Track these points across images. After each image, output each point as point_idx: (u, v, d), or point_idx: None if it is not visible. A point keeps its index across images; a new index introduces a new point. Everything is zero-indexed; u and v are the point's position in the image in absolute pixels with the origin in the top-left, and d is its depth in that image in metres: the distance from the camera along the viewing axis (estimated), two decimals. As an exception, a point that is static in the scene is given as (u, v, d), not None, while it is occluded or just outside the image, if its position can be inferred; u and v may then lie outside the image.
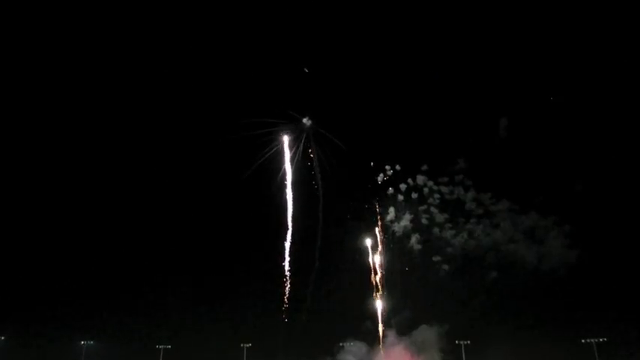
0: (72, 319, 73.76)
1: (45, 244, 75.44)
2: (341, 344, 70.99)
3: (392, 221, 73.06)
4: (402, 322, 68.57)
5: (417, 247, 72.35)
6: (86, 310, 73.98)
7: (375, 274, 70.76)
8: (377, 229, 71.63)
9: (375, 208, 72.87)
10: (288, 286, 69.47)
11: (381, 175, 72.77)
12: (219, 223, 75.84)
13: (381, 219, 72.12)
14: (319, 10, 67.56)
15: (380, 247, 71.47)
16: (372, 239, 71.71)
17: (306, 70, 67.14)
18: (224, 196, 75.83)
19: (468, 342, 69.65)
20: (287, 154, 69.95)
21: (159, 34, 73.30)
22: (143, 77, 74.51)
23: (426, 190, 73.52)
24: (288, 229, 70.25)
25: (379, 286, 70.56)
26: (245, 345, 73.31)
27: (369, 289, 70.32)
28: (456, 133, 71.53)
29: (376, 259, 71.15)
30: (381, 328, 69.97)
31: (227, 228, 75.45)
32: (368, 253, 71.29)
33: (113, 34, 74.12)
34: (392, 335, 68.86)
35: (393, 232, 72.92)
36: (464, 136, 71.74)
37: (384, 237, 72.37)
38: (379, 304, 70.00)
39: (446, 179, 73.41)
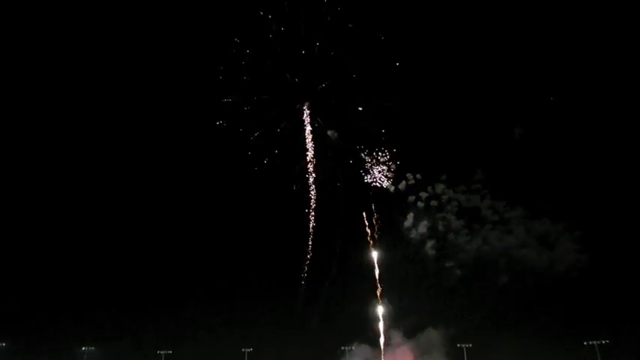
0: (73, 325, 74.13)
1: (46, 250, 75.08)
2: (343, 348, 71.89)
3: (409, 228, 75.53)
4: (410, 325, 70.21)
5: (432, 252, 74.54)
6: (87, 316, 74.19)
7: (378, 279, 72.78)
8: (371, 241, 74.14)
9: (372, 217, 75.08)
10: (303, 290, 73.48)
11: (403, 182, 75.91)
12: (224, 228, 75.82)
13: (378, 227, 74.65)
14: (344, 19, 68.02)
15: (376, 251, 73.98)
16: (379, 247, 74.35)
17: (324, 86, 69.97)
18: (234, 199, 76.38)
19: (470, 345, 69.94)
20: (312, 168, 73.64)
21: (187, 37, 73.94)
22: (163, 78, 74.96)
23: (444, 197, 76.05)
24: (309, 239, 74.11)
25: (380, 290, 72.30)
26: (246, 350, 73.19)
27: (374, 294, 72.34)
28: (474, 145, 73.53)
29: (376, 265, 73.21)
30: (382, 331, 71.31)
31: (233, 234, 75.73)
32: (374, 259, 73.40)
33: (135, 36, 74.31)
34: (398, 337, 70.33)
35: (410, 239, 75.39)
36: (482, 147, 73.47)
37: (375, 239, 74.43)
38: (380, 308, 71.71)
39: (464, 188, 75.83)
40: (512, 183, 71.27)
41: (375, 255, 73.77)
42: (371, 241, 73.58)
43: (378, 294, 72.67)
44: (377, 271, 73.40)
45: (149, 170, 77.02)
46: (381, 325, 71.46)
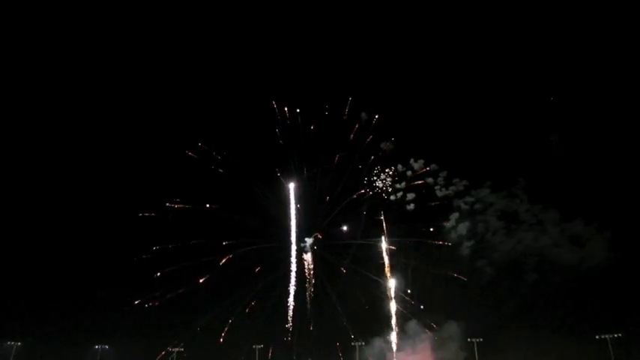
0: (87, 323, 74.85)
1: (58, 249, 75.47)
2: (353, 344, 72.61)
3: (449, 230, 78.32)
4: (432, 320, 72.40)
5: (466, 252, 77.08)
6: (100, 314, 74.59)
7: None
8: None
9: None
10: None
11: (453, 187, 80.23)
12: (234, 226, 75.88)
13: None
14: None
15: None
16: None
17: None
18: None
19: (481, 339, 70.70)
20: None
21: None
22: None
23: (488, 201, 79.12)
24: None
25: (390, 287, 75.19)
26: (257, 346, 73.66)
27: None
28: (517, 152, 76.46)
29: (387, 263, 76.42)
30: (395, 329, 73.29)
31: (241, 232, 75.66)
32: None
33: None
34: (418, 329, 72.15)
35: (448, 241, 77.70)
36: (523, 154, 76.33)
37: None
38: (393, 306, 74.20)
39: (505, 193, 78.70)
40: (549, 186, 73.74)
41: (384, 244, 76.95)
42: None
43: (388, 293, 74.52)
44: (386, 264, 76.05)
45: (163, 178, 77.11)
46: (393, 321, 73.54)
